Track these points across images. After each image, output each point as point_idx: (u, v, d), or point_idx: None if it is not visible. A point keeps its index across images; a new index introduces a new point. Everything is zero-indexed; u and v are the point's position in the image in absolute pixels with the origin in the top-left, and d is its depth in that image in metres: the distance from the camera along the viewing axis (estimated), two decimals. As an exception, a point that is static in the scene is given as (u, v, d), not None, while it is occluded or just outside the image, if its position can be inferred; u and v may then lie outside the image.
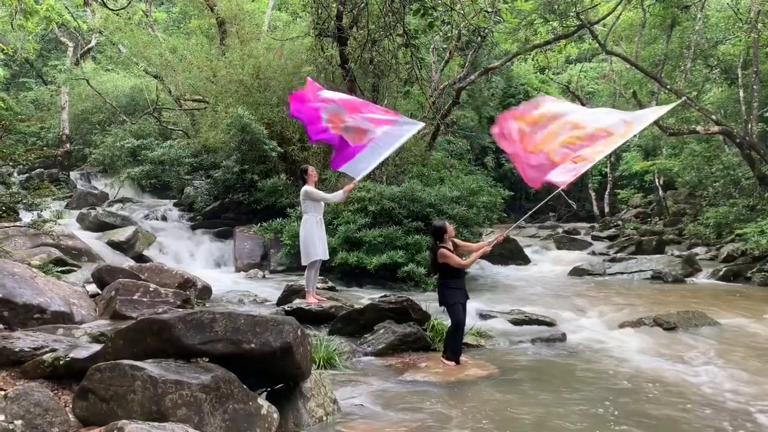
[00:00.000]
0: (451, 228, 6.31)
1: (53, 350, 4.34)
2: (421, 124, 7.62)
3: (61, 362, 4.15)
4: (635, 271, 13.58)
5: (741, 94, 17.74)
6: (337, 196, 8.00)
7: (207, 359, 3.91)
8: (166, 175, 16.78)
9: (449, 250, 6.12)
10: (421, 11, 5.48)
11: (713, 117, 17.04)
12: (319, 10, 12.91)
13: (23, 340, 4.52)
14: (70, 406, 3.74)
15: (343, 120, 7.43)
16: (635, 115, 6.48)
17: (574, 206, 28.41)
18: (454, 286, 6.13)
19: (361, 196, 11.85)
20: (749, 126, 16.38)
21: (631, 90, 19.55)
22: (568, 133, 6.24)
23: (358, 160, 7.44)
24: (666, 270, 13.01)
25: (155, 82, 20.30)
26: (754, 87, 16.45)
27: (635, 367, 6.23)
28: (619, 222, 25.21)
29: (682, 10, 18.22)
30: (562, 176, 6.09)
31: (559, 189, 6.00)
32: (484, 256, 13.89)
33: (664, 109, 7.02)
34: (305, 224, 7.93)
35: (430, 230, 6.52)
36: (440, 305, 6.30)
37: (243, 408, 3.70)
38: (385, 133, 7.31)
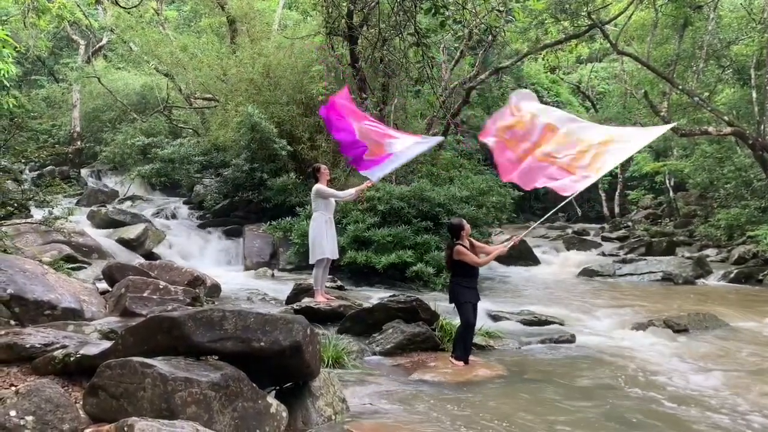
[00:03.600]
0: (468, 226, 6.31)
1: (64, 347, 4.35)
2: (439, 139, 7.70)
3: (71, 359, 4.16)
4: (645, 273, 13.51)
5: (754, 95, 17.59)
6: (349, 194, 8.04)
7: (217, 357, 3.91)
8: (176, 173, 16.85)
9: (465, 248, 6.12)
10: (433, 10, 5.46)
11: (725, 118, 16.90)
12: (330, 9, 12.90)
13: (34, 336, 4.54)
14: (81, 402, 3.75)
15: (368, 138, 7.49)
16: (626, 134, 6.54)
17: (579, 213, 28.28)
18: (466, 285, 6.11)
19: (370, 195, 11.84)
20: (762, 127, 16.26)
21: (643, 90, 19.42)
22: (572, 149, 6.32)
23: (381, 167, 7.55)
24: (676, 272, 12.94)
25: (166, 80, 20.39)
26: (767, 88, 16.30)
27: (644, 369, 6.19)
28: (630, 223, 25.08)
29: (694, 10, 18.06)
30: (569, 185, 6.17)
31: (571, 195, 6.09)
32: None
33: (654, 133, 6.91)
34: (314, 222, 7.93)
35: (447, 227, 6.53)
36: (450, 302, 6.29)
37: (252, 406, 3.69)
38: (404, 148, 7.44)
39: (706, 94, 19.52)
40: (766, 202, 16.07)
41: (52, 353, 4.26)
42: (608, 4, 19.21)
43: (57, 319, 5.62)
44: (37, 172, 18.86)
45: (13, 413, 3.30)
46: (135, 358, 3.62)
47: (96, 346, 4.33)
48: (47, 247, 9.89)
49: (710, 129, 16.88)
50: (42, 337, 4.54)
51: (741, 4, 18.12)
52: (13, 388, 3.55)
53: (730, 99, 20.74)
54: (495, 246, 6.52)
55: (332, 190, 8.05)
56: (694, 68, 18.95)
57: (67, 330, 5.18)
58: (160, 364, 3.58)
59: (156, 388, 3.44)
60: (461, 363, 6.01)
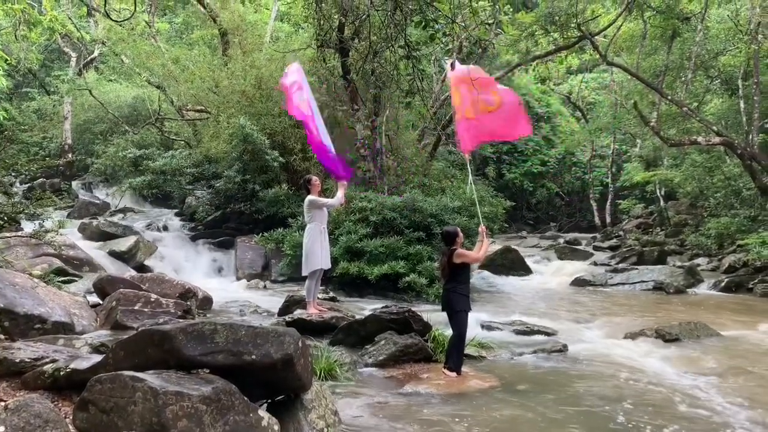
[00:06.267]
0: (461, 234, 6.36)
1: (54, 361, 4.33)
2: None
3: (61, 373, 4.14)
4: (637, 282, 13.55)
5: (742, 105, 17.77)
6: (338, 199, 8.08)
7: (208, 370, 3.89)
8: (168, 185, 16.82)
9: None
10: (423, 23, 5.50)
11: (714, 128, 17.06)
12: (321, 22, 12.97)
13: (24, 350, 4.51)
14: (71, 417, 3.72)
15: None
16: None
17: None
18: (461, 292, 6.12)
19: (362, 206, 11.86)
20: (750, 137, 16.40)
21: (632, 101, 19.58)
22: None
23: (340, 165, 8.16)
24: (668, 281, 12.99)
25: (158, 92, 20.38)
26: (755, 98, 16.47)
27: (636, 379, 6.20)
28: (621, 232, 25.19)
29: (682, 21, 18.26)
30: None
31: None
32: (484, 266, 13.92)
33: None
34: (309, 233, 7.93)
35: (442, 235, 6.57)
36: (443, 310, 6.27)
37: (243, 420, 3.68)
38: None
39: (695, 104, 19.70)
40: (756, 210, 16.19)
41: (42, 368, 4.24)
42: (597, 16, 19.41)
43: (47, 332, 5.59)
44: (27, 185, 18.77)
45: (2, 429, 3.28)
46: (125, 372, 3.61)
47: (86, 360, 4.31)
48: (37, 261, 9.84)
49: (699, 139, 17.02)
50: (32, 351, 4.51)
51: (728, 15, 18.35)
52: (2, 404, 3.53)
53: (719, 109, 20.94)
54: (476, 247, 6.58)
55: (325, 199, 8.13)
56: (683, 79, 19.12)
57: (58, 344, 5.16)
58: (150, 377, 3.57)
59: (147, 402, 3.43)
60: (454, 374, 6.00)
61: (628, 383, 6.05)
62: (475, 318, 7.89)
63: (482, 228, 6.50)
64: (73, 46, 23.70)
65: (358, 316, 7.58)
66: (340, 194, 8.07)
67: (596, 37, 18.39)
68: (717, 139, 16.51)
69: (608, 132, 27.36)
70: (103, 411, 3.51)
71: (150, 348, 3.87)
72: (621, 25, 19.03)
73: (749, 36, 16.42)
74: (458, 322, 6.09)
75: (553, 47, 18.77)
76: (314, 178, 8.21)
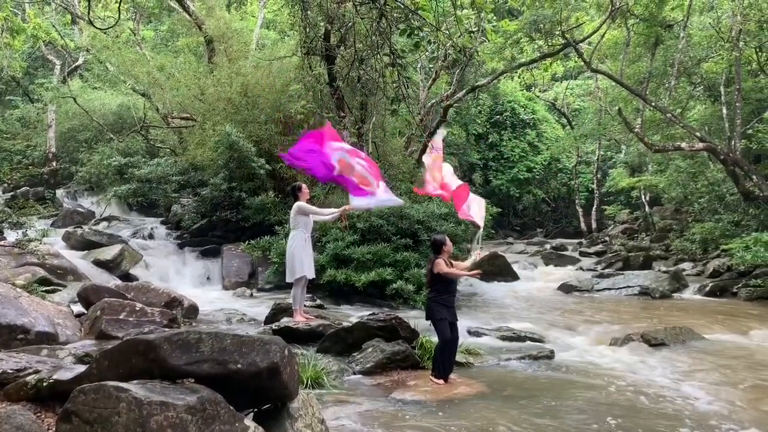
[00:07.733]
0: (450, 244, 6.39)
1: (37, 372, 4.27)
2: (400, 202, 8.28)
3: (44, 384, 4.08)
4: (623, 287, 13.63)
5: (724, 111, 17.98)
6: (331, 212, 8.02)
7: (193, 380, 3.86)
8: (153, 193, 16.72)
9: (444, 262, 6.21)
10: (408, 31, 5.54)
11: (697, 134, 17.24)
12: (307, 29, 13.00)
13: (6, 361, 4.45)
14: (54, 429, 3.68)
15: (350, 164, 7.58)
16: None
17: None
18: (442, 302, 6.16)
19: (349, 213, 11.84)
20: (733, 142, 16.59)
21: (617, 107, 19.76)
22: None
23: (367, 200, 7.77)
24: (653, 286, 13.08)
25: (143, 100, 20.30)
26: (737, 104, 16.67)
27: (624, 384, 6.23)
28: (607, 238, 25.37)
29: (665, 29, 18.49)
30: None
31: None
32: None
33: None
34: (293, 240, 7.89)
35: (431, 242, 6.64)
36: (426, 319, 6.37)
37: (229, 429, 3.65)
38: (383, 191, 7.71)
39: (679, 110, 19.90)
40: (739, 215, 16.37)
41: (25, 379, 4.18)
42: (582, 24, 19.60)
43: (30, 343, 5.53)
44: (10, 194, 18.58)
45: (-17, 441, 3.23)
46: (109, 383, 3.56)
47: (70, 371, 4.26)
48: (21, 270, 9.72)
49: (683, 145, 17.19)
50: (14, 362, 4.45)
51: (710, 23, 18.58)
52: (-16, 416, 3.48)
53: (702, 115, 21.17)
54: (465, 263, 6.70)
55: (315, 208, 8.08)
56: (667, 85, 19.33)
57: (41, 354, 5.10)
58: (135, 387, 3.52)
59: (131, 412, 3.38)
60: (441, 381, 6.01)
61: (614, 389, 6.07)
62: (462, 324, 7.89)
63: (477, 253, 6.79)
64: (57, 54, 23.60)
65: (345, 324, 7.55)
66: (336, 213, 8.01)
67: (581, 44, 18.57)
68: (700, 145, 16.68)
69: (593, 138, 27.62)
70: (86, 422, 3.46)
71: (134, 358, 3.83)
72: (605, 33, 19.22)
73: (731, 43, 16.63)
74: (440, 329, 6.13)
75: (538, 54, 18.92)
76: (303, 186, 8.20)
